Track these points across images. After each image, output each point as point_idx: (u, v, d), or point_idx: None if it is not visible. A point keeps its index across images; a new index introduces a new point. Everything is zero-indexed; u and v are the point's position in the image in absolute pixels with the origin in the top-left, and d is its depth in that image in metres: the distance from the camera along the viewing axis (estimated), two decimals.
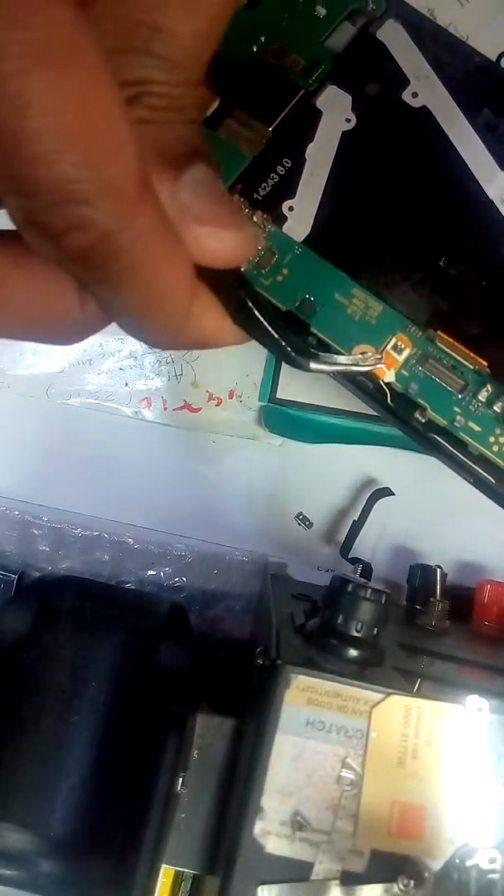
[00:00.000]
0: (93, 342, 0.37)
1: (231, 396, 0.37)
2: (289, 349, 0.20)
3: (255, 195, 0.26)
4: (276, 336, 0.20)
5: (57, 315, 0.18)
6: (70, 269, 0.17)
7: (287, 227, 0.26)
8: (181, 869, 0.25)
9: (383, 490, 0.36)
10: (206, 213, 0.18)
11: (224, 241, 0.18)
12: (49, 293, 0.17)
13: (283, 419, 0.37)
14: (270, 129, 0.26)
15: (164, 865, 0.24)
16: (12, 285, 0.17)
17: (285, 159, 0.26)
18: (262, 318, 0.19)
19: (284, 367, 0.37)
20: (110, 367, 0.38)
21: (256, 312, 0.19)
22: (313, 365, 0.21)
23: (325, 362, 0.21)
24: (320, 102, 0.26)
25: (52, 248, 0.15)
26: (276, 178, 0.26)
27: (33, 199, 0.14)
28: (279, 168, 0.26)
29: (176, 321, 0.18)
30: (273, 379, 0.37)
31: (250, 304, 0.19)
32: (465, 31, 0.27)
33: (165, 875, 0.25)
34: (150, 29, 0.17)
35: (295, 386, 0.37)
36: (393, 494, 0.36)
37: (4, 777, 0.24)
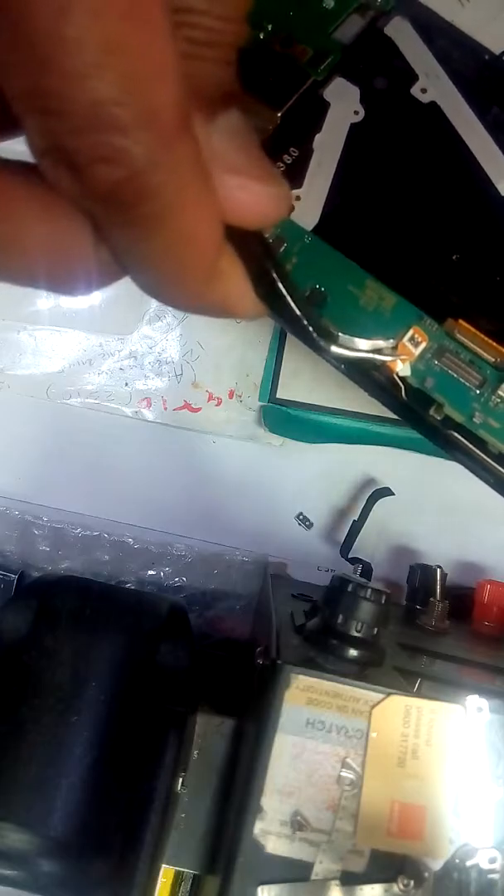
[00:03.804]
0: (93, 342, 0.37)
1: (231, 396, 0.37)
2: (310, 328, 0.19)
3: None
4: (299, 313, 0.19)
5: (71, 259, 0.16)
6: (90, 208, 0.15)
7: (294, 216, 0.25)
8: (181, 869, 0.25)
9: (383, 490, 0.36)
10: (238, 163, 0.16)
11: (255, 195, 0.16)
12: (65, 233, 0.15)
13: (283, 419, 0.37)
14: (279, 114, 0.25)
15: (164, 865, 0.24)
16: (28, 221, 0.15)
17: (292, 148, 0.25)
18: (285, 292, 0.18)
19: (285, 367, 0.37)
20: (110, 367, 0.38)
21: (280, 285, 0.18)
22: (334, 349, 0.20)
23: (345, 346, 0.20)
24: (328, 94, 0.26)
25: (74, 182, 0.14)
26: (283, 167, 0.25)
27: (60, 121, 0.13)
28: (286, 157, 0.25)
29: (200, 277, 0.16)
30: (273, 379, 0.37)
31: (275, 276, 0.18)
32: (465, 31, 0.26)
33: (165, 875, 0.25)
34: None
35: (295, 386, 0.37)
36: (393, 494, 0.36)
37: (4, 777, 0.24)
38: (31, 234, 0.15)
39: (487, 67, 0.26)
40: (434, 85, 0.25)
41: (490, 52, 0.26)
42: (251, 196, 0.16)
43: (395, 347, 0.24)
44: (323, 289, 0.25)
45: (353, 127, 0.26)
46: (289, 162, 0.25)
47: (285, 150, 0.25)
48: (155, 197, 0.14)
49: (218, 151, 0.16)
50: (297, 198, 0.25)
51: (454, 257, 0.25)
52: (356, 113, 0.26)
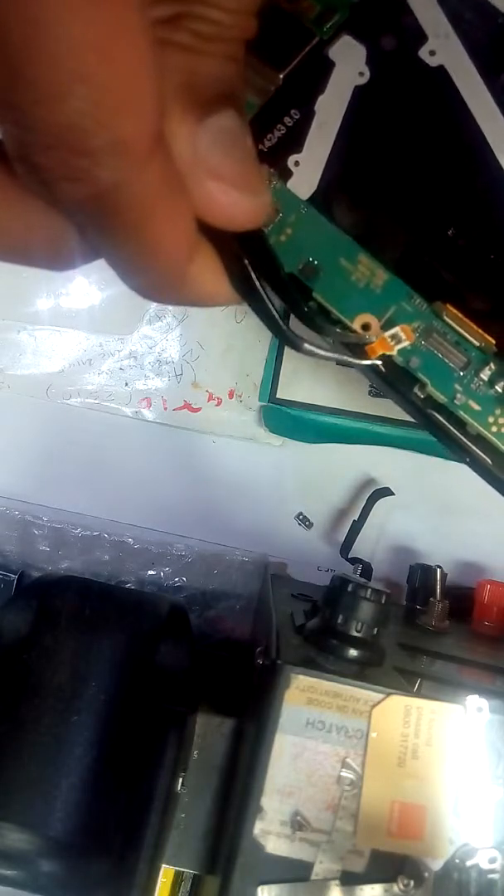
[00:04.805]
0: (93, 342, 0.37)
1: (231, 396, 0.37)
2: (283, 327, 0.19)
3: (261, 146, 0.24)
4: (273, 312, 0.18)
5: (40, 246, 0.16)
6: (61, 210, 0.15)
7: (292, 183, 0.24)
8: (181, 869, 0.25)
9: (383, 490, 0.36)
10: (222, 168, 0.16)
11: (235, 203, 0.16)
12: (31, 224, 0.15)
13: (283, 419, 0.37)
14: (281, 76, 0.25)
15: (164, 865, 0.24)
16: None
17: (293, 110, 0.25)
18: (261, 290, 0.18)
19: (284, 367, 0.37)
20: (110, 367, 0.38)
21: (257, 283, 0.18)
22: (307, 346, 0.20)
23: (320, 346, 0.20)
24: (333, 53, 0.24)
25: (44, 190, 0.14)
26: (283, 130, 0.25)
27: (30, 136, 0.13)
28: (286, 119, 0.25)
29: (171, 278, 0.17)
30: (273, 379, 0.37)
31: (251, 273, 0.18)
32: None
33: (165, 875, 0.25)
34: None
35: (295, 386, 0.37)
36: (393, 494, 0.36)
37: (4, 777, 0.24)
38: None
39: (500, 31, 0.25)
40: (443, 47, 0.24)
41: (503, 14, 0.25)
42: (230, 203, 0.16)
43: (370, 344, 0.24)
44: (315, 262, 0.25)
45: (357, 89, 0.24)
46: (290, 125, 0.25)
47: (286, 111, 0.25)
48: (121, 212, 0.14)
49: (203, 154, 0.16)
50: (297, 163, 0.24)
51: (450, 232, 0.25)
52: (361, 74, 0.24)
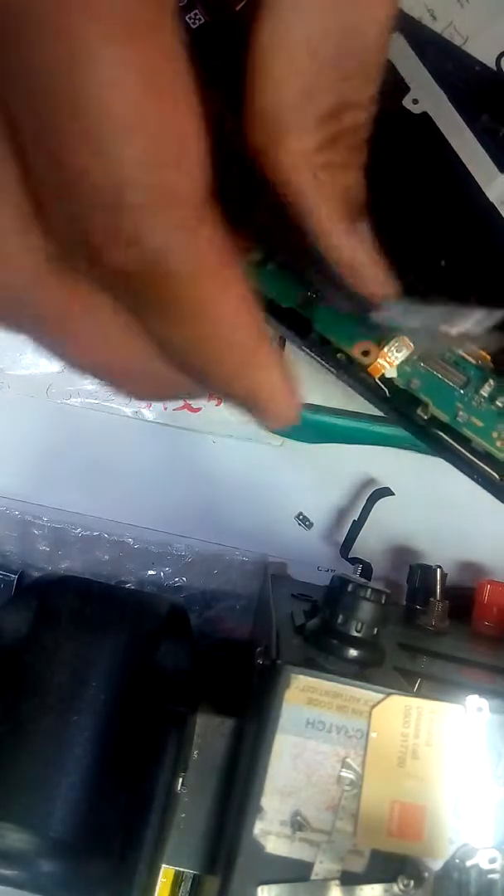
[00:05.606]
0: None
1: None
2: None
3: None
4: None
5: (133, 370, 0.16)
6: (106, 287, 0.14)
7: None
8: (181, 869, 0.25)
9: (383, 490, 0.36)
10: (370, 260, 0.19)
11: (382, 286, 0.20)
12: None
13: None
14: None
15: (164, 865, 0.24)
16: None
17: None
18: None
19: None
20: None
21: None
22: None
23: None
24: None
25: (85, 260, 0.13)
26: None
27: (73, 193, 0.12)
28: None
29: (228, 367, 0.15)
30: None
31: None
32: (464, 32, 0.27)
33: (165, 875, 0.25)
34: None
35: None
36: (393, 494, 0.36)
37: (4, 777, 0.24)
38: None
39: (478, 76, 0.26)
40: (426, 95, 0.26)
41: (481, 62, 0.27)
42: (379, 286, 0.21)
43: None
44: (313, 295, 0.25)
45: None
46: None
47: None
48: (169, 283, 0.13)
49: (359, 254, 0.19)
50: None
51: (441, 263, 0.26)
52: None
